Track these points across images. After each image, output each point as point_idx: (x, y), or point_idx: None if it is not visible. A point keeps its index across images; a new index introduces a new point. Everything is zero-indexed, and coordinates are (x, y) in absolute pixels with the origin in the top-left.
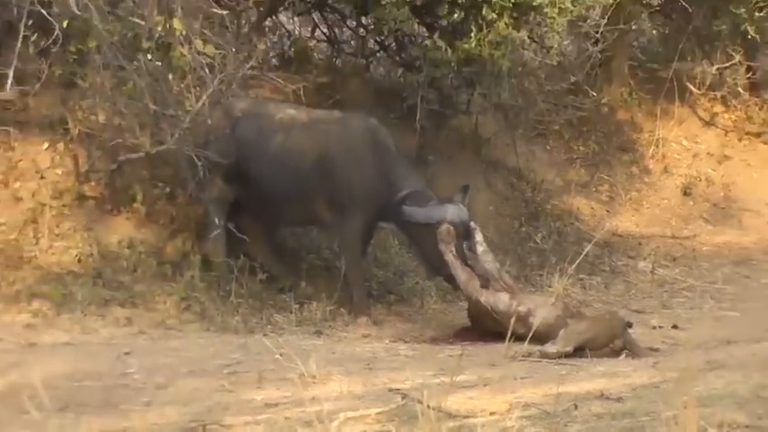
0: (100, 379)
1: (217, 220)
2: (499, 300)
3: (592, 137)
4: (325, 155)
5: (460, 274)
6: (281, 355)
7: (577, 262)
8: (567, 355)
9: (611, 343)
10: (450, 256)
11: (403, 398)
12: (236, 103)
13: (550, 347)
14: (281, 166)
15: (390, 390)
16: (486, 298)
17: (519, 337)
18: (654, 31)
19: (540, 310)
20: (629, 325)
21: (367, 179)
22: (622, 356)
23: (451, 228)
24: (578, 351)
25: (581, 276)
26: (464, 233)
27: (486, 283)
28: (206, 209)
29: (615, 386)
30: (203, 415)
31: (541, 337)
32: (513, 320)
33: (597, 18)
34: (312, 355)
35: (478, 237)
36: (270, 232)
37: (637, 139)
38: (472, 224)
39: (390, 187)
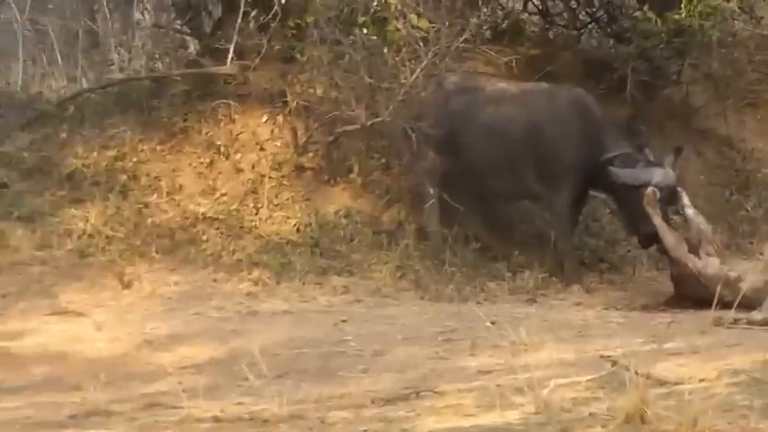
0: (318, 346)
1: (431, 190)
2: (709, 264)
3: None
4: (534, 126)
5: (669, 237)
6: (493, 323)
7: None
8: None
9: None
10: (658, 219)
11: (613, 365)
12: (448, 78)
13: (757, 314)
14: (490, 137)
15: (601, 357)
16: (694, 263)
17: (726, 305)
18: None
19: (750, 275)
20: None
21: (575, 149)
22: None
23: (657, 191)
24: None
25: None
26: (670, 197)
27: (696, 246)
28: (419, 179)
29: None
30: (418, 382)
31: (750, 304)
32: (721, 285)
33: None
34: (524, 323)
35: (685, 200)
36: (482, 202)
37: None
38: (679, 188)
39: (599, 153)
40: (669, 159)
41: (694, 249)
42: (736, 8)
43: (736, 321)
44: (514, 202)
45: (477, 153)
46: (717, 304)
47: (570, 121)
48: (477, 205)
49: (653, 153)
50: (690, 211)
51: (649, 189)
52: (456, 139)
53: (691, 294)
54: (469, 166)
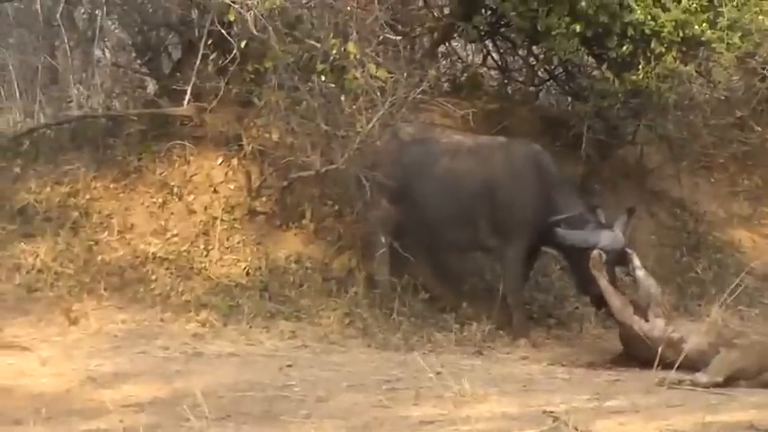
0: (262, 390)
1: (382, 239)
2: (655, 326)
3: (756, 171)
4: (489, 180)
5: (614, 300)
6: (438, 373)
7: (737, 293)
8: (719, 385)
9: (763, 373)
10: (603, 281)
11: (554, 421)
12: (403, 128)
13: (701, 377)
14: (445, 189)
15: (544, 412)
16: (640, 325)
17: (671, 365)
18: None
19: (694, 336)
20: None
21: (529, 204)
22: None
23: (603, 254)
24: (731, 381)
25: (740, 308)
26: (618, 259)
27: (644, 308)
28: (372, 228)
29: (766, 418)
30: (360, 429)
31: (694, 365)
32: (664, 346)
33: (766, 54)
34: (468, 375)
35: (636, 261)
36: (433, 253)
37: None
38: (628, 250)
39: (550, 212)
40: (621, 220)
41: (643, 311)
42: (694, 72)
43: (679, 382)
44: (466, 254)
45: (431, 204)
46: (660, 365)
47: (525, 175)
48: (427, 256)
49: (605, 213)
50: (640, 273)
51: (595, 252)
52: (410, 189)
53: (638, 355)
54: (423, 217)
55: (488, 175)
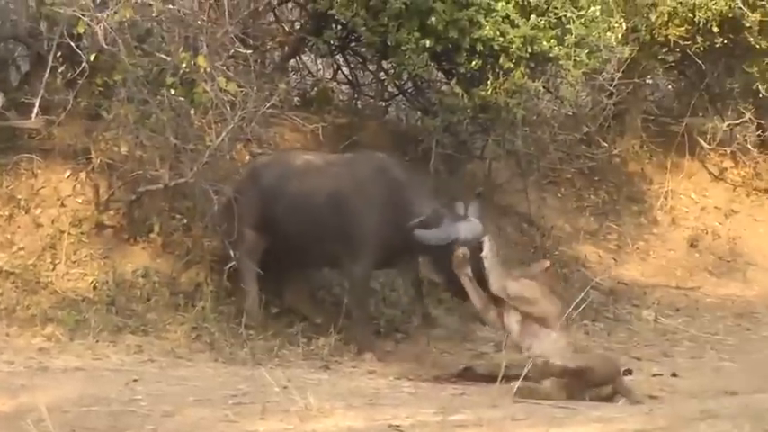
0: (108, 405)
1: (252, 268)
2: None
3: (603, 187)
4: (335, 195)
5: (477, 300)
6: (284, 387)
7: (582, 308)
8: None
9: (601, 384)
10: (466, 280)
11: None
12: (259, 159)
13: (546, 382)
14: (298, 209)
15: (389, 426)
16: (500, 324)
17: (515, 377)
18: (668, 87)
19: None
20: (629, 372)
21: (374, 216)
22: (620, 402)
23: (467, 250)
24: (578, 394)
25: (585, 322)
26: (480, 248)
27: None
28: (240, 262)
29: (608, 431)
30: None
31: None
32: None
33: (612, 71)
34: (315, 389)
35: (486, 249)
36: (281, 267)
37: (646, 190)
38: (484, 238)
39: (406, 217)
40: (474, 207)
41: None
42: (542, 88)
43: (518, 390)
44: (319, 269)
45: (287, 225)
46: (504, 379)
47: (368, 187)
48: (275, 270)
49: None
50: (487, 264)
51: (458, 251)
52: (268, 213)
53: None
54: (281, 238)
55: (334, 190)
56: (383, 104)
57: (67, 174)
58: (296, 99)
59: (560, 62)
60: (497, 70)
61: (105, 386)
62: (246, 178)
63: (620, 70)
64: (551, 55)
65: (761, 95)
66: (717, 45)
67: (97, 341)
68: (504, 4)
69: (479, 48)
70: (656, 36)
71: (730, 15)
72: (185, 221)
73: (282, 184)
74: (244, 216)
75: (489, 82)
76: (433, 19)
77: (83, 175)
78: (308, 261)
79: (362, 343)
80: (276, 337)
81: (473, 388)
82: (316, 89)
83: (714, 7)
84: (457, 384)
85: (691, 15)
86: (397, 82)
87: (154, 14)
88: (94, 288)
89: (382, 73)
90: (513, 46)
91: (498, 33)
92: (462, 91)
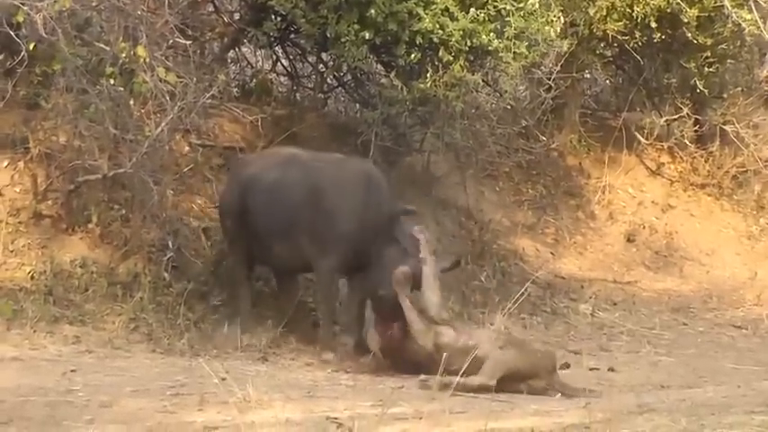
0: (45, 395)
1: (244, 274)
2: (446, 335)
3: (540, 180)
4: (315, 191)
5: (416, 323)
6: (223, 379)
7: (519, 301)
8: (491, 389)
9: (536, 377)
10: (406, 302)
11: (338, 427)
12: (244, 161)
13: (474, 380)
14: (273, 202)
15: (327, 418)
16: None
17: (455, 371)
18: (606, 81)
19: (485, 344)
20: (567, 366)
21: (352, 218)
22: (557, 396)
23: (408, 271)
24: (511, 385)
25: (522, 316)
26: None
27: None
28: (233, 270)
29: (546, 424)
30: None
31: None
32: (461, 355)
33: (551, 65)
34: (253, 381)
35: (426, 269)
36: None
37: (584, 184)
38: (429, 257)
39: (384, 236)
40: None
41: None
42: (481, 81)
43: (447, 385)
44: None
45: (262, 220)
46: (445, 371)
47: (353, 189)
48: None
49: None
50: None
51: (398, 270)
52: (245, 207)
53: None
54: (255, 234)
55: (315, 185)
56: (322, 96)
57: (5, 163)
58: (235, 90)
59: (500, 55)
60: (437, 63)
61: (42, 376)
62: (230, 185)
63: (559, 64)
64: (490, 48)
65: (698, 91)
66: (655, 40)
67: (34, 331)
68: None
69: (419, 40)
70: (594, 30)
71: (668, 11)
72: (124, 212)
73: (263, 178)
74: (234, 234)
75: (428, 75)
76: (372, 11)
77: (21, 164)
78: (281, 261)
79: (324, 341)
80: (214, 329)
81: (411, 381)
82: (255, 80)
83: (652, 2)
84: (395, 377)
85: (629, 10)
86: (336, 74)
87: (93, 4)
88: (32, 278)
89: (321, 65)
90: (453, 39)
91: (438, 26)
92: (401, 83)
